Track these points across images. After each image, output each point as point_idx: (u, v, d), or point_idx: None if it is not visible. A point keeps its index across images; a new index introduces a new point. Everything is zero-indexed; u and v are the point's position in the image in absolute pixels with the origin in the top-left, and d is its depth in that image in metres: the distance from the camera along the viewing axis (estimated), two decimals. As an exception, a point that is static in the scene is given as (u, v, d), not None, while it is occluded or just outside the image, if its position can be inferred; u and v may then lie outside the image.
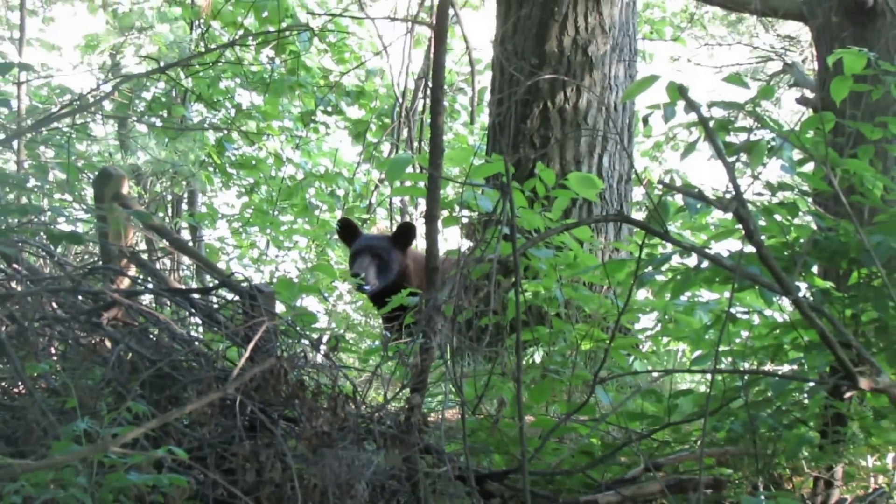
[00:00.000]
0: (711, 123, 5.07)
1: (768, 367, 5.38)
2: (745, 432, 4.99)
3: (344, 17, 13.17)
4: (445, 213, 6.22)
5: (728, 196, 4.61)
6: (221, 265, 11.47)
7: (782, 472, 5.39)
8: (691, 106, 4.69)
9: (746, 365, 5.37)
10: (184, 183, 12.69)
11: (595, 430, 5.48)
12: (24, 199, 7.86)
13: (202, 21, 12.59)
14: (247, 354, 5.49)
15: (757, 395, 5.06)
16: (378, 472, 5.48)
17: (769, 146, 4.97)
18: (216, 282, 6.96)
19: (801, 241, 5.05)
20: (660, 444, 5.56)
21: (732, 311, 5.28)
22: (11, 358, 6.27)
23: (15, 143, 8.50)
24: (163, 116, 12.52)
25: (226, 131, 13.46)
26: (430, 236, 5.39)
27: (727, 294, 5.27)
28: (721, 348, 5.08)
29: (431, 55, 5.77)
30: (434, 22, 5.28)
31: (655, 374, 5.99)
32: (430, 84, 5.54)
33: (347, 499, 5.47)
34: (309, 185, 13.65)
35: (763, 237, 5.06)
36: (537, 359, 6.08)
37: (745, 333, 5.53)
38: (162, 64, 9.55)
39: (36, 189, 7.54)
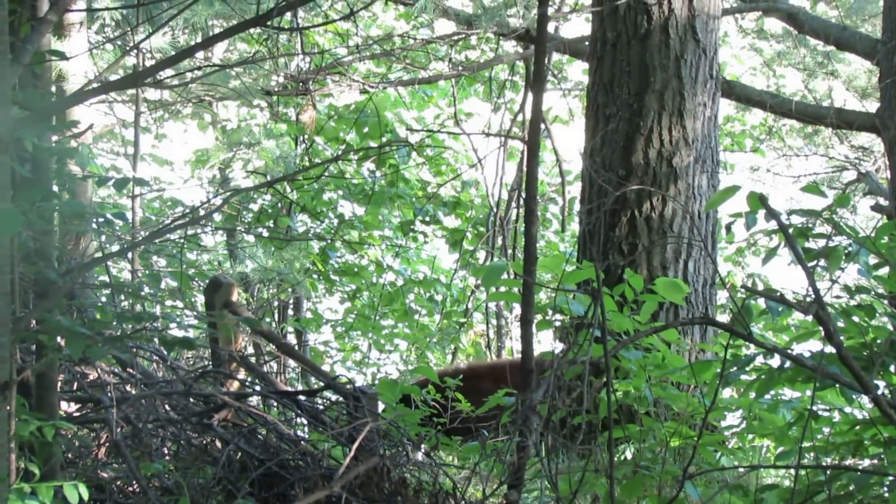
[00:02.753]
0: (791, 230, 5.17)
1: (850, 462, 5.39)
2: (829, 526, 5.04)
3: (441, 132, 13.40)
4: (539, 316, 6.30)
5: (808, 299, 4.68)
6: (326, 368, 11.61)
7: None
8: (772, 214, 4.76)
9: (829, 460, 5.31)
10: (290, 290, 12.88)
11: (686, 523, 5.56)
12: (138, 307, 8.03)
13: (306, 137, 12.86)
14: (351, 454, 5.60)
15: (839, 489, 4.99)
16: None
17: (846, 251, 5.01)
18: (321, 384, 7.07)
19: (879, 341, 5.01)
20: (748, 537, 5.58)
21: (814, 408, 5.24)
22: (127, 458, 6.38)
23: (130, 254, 8.71)
24: (269, 227, 12.75)
25: (329, 241, 13.67)
26: (525, 339, 5.46)
27: (809, 392, 5.22)
28: (804, 444, 5.11)
29: (524, 167, 5.90)
30: (526, 136, 5.42)
31: (742, 470, 5.92)
32: (523, 195, 5.67)
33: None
34: (408, 290, 13.80)
35: (842, 338, 5.12)
36: (629, 455, 6.03)
37: (826, 430, 5.45)
38: (269, 178, 9.77)
39: (149, 297, 7.69)
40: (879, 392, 4.86)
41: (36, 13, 5.63)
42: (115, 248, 7.73)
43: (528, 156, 5.38)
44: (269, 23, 5.06)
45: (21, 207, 5.29)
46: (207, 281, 7.59)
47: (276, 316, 14.17)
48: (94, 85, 7.47)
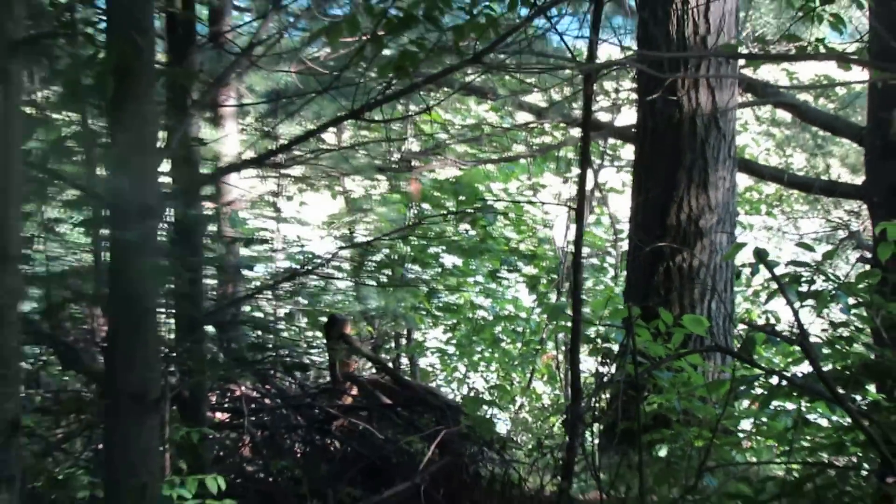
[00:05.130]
0: (788, 278, 5.27)
1: (833, 459, 5.48)
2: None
3: (521, 201, 13.57)
4: (589, 346, 6.45)
5: (795, 333, 4.82)
6: (432, 384, 11.79)
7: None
8: (766, 266, 4.86)
9: (825, 457, 5.31)
10: (403, 323, 13.14)
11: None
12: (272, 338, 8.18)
13: (414, 203, 13.20)
14: (431, 449, 5.93)
15: (825, 481, 5.02)
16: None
17: (831, 294, 5.05)
18: (415, 399, 7.22)
19: (856, 364, 5.10)
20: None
21: (806, 417, 5.33)
22: (264, 457, 6.59)
23: (271, 294, 8.90)
24: (386, 274, 13.02)
25: (434, 285, 13.95)
26: (573, 363, 5.57)
27: (804, 404, 5.33)
28: (799, 445, 5.31)
29: (574, 230, 6.03)
30: (577, 206, 5.57)
31: (749, 465, 5.91)
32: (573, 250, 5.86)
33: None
34: (496, 324, 13.99)
35: (829, 362, 5.23)
36: (662, 453, 6.05)
37: (817, 434, 5.48)
38: (385, 235, 10.00)
39: (284, 330, 7.88)
40: (857, 405, 4.95)
41: (186, 106, 5.73)
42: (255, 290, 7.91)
43: (577, 219, 5.50)
44: (364, 115, 5.26)
45: (171, 263, 5.49)
46: (327, 318, 7.72)
47: (393, 343, 14.46)
48: (233, 161, 7.68)
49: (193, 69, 5.96)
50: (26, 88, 4.30)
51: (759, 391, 5.61)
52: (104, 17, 4.41)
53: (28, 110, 4.42)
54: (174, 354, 5.72)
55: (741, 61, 9.12)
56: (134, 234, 4.10)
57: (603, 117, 10.89)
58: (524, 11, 5.63)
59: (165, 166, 5.59)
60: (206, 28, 7.96)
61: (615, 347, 6.53)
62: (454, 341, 14.46)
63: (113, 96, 4.11)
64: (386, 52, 5.86)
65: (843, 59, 7.45)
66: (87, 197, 4.46)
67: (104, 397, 4.51)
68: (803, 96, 11.23)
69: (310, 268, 7.50)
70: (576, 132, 11.26)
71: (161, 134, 5.07)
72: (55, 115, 4.70)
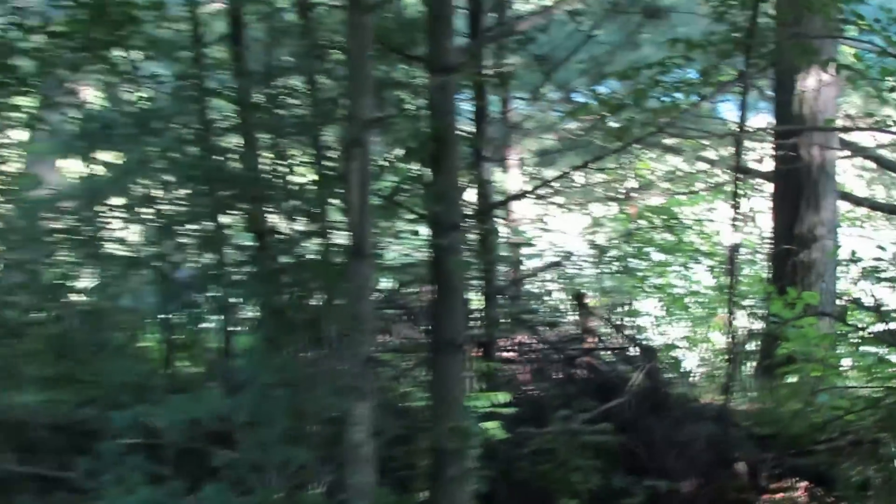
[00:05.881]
0: (869, 269, 5.72)
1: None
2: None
3: (702, 220, 13.35)
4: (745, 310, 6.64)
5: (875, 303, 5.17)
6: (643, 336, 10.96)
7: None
8: (853, 261, 5.48)
9: None
10: (626, 297, 11.77)
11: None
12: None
13: (633, 220, 12.13)
14: (637, 376, 5.92)
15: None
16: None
17: None
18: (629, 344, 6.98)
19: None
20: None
21: (885, 356, 5.66)
22: (534, 381, 6.47)
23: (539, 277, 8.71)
24: (616, 265, 11.86)
25: (646, 272, 13.06)
26: (730, 321, 6.27)
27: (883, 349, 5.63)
28: (880, 375, 5.57)
29: (734, 237, 6.35)
30: (733, 220, 5.94)
31: (846, 388, 6.03)
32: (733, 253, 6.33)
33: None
34: (686, 297, 13.52)
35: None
36: (791, 380, 6.22)
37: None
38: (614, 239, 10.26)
39: (548, 300, 7.91)
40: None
41: (481, 159, 5.96)
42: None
43: (734, 230, 6.06)
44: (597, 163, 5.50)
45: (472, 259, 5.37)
46: (575, 293, 7.63)
47: (619, 309, 13.33)
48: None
49: (486, 136, 6.14)
50: (378, 150, 4.37)
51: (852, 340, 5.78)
52: (427, 105, 4.48)
53: (381, 162, 4.50)
54: (477, 315, 5.84)
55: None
56: (447, 241, 4.24)
57: (752, 165, 10.58)
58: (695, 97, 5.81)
59: (470, 196, 5.72)
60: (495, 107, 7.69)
61: (762, 312, 6.72)
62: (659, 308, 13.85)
63: (433, 154, 4.27)
64: (612, 123, 6.09)
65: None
66: (418, 217, 4.59)
67: (431, 343, 4.51)
68: (883, 150, 11.26)
69: (565, 261, 8.10)
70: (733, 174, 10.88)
71: (466, 176, 5.29)
72: (398, 165, 4.73)
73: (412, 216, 4.61)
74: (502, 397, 4.99)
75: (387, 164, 4.55)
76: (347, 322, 3.56)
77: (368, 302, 3.49)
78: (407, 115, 4.49)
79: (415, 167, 4.51)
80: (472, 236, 5.44)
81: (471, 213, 5.39)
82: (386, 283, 5.60)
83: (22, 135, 6.26)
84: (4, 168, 5.63)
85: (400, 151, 4.56)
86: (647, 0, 6.34)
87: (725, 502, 5.28)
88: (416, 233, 4.86)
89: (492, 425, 4.68)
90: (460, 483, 4.16)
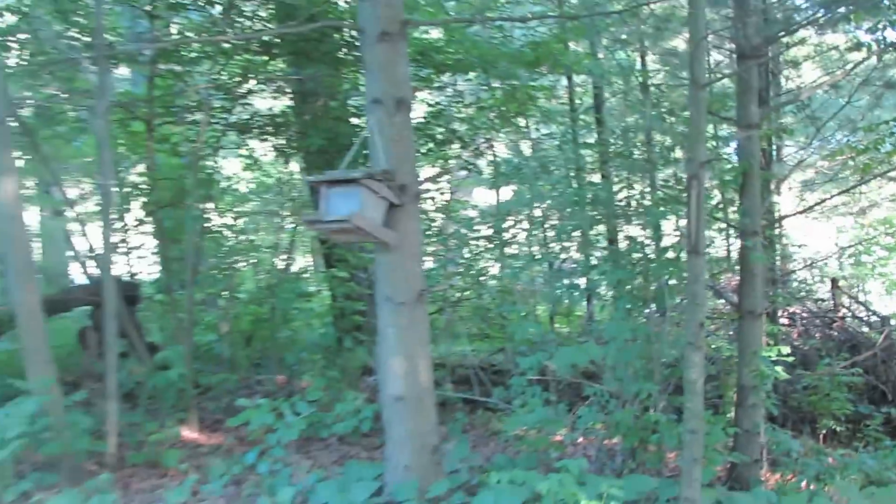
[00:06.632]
0: None
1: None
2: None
3: None
4: None
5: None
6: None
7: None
8: None
9: None
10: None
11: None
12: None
13: None
14: (882, 338, 6.42)
15: None
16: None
17: None
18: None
19: None
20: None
21: None
22: (802, 339, 6.88)
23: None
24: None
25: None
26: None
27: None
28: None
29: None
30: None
31: None
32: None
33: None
34: None
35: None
36: None
37: None
38: None
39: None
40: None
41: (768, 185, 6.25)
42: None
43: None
44: None
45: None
46: (830, 278, 7.96)
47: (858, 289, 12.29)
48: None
49: (772, 170, 6.28)
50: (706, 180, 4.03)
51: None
52: (736, 150, 4.94)
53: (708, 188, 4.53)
54: (766, 293, 5.66)
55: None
56: (750, 242, 4.64)
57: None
58: None
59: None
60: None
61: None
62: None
63: (741, 184, 4.84)
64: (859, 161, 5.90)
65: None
66: (729, 226, 5.00)
67: (738, 311, 4.88)
68: None
69: (824, 258, 8.51)
70: None
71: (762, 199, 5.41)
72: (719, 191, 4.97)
73: (725, 226, 5.56)
74: (783, 350, 5.31)
75: (712, 189, 5.25)
76: (686, 298, 3.78)
77: (702, 284, 3.66)
78: (724, 157, 5.36)
79: (729, 193, 5.31)
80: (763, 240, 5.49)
81: (764, 223, 5.74)
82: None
83: (447, 174, 7.20)
84: (442, 196, 7.05)
85: (719, 181, 5.29)
86: (888, 76, 6.87)
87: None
88: (727, 237, 5.87)
89: (777, 369, 5.13)
90: (756, 408, 4.88)
